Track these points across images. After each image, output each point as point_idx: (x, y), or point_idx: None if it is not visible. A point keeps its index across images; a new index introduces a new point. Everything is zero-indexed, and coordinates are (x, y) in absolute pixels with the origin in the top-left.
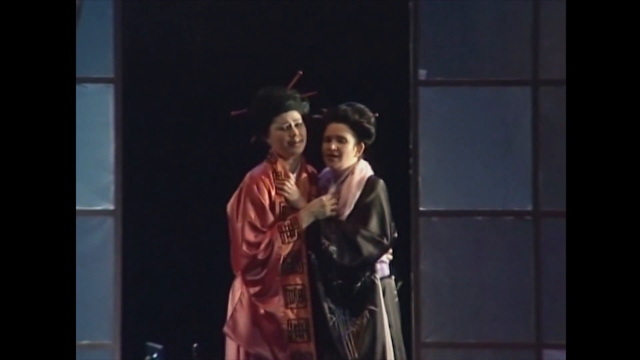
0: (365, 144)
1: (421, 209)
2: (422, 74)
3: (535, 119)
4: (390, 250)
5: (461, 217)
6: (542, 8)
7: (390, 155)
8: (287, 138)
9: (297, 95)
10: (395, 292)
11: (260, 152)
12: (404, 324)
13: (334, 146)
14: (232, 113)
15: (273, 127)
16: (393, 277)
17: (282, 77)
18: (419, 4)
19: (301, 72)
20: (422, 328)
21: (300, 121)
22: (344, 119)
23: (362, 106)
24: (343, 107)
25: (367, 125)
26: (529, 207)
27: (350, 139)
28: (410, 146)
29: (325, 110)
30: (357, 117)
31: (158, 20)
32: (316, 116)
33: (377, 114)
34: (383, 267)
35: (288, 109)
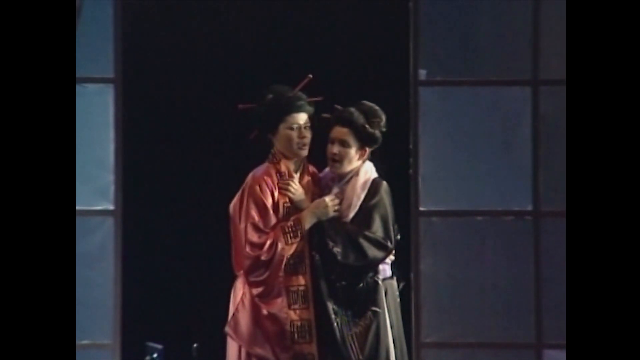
0: (369, 148)
1: (421, 209)
2: (422, 74)
3: (535, 119)
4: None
5: (461, 217)
6: (542, 8)
7: (390, 155)
8: (296, 139)
9: (305, 98)
10: (397, 293)
11: (261, 152)
12: (404, 324)
13: (335, 150)
14: (240, 106)
15: (282, 125)
16: (395, 278)
17: (283, 78)
18: (419, 4)
19: (311, 76)
20: (422, 328)
21: (308, 124)
22: (348, 123)
23: (373, 107)
24: (350, 109)
25: (371, 130)
26: (529, 207)
27: (353, 144)
28: (410, 146)
29: (338, 107)
30: (362, 121)
31: (158, 20)
32: (325, 115)
33: (384, 118)
34: (385, 268)
35: (300, 109)
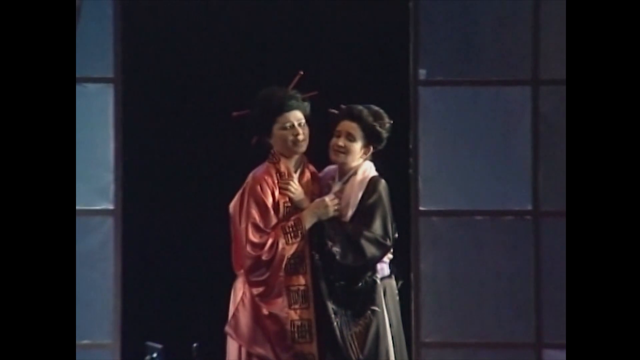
0: (373, 147)
1: (421, 209)
2: (422, 74)
3: (535, 119)
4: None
5: (461, 217)
6: (542, 8)
7: (390, 155)
8: (290, 138)
9: (299, 95)
10: (396, 292)
11: (261, 152)
12: (404, 324)
13: (341, 142)
14: (234, 114)
15: (276, 127)
16: (393, 277)
17: (282, 77)
18: (419, 4)
19: (302, 72)
20: (422, 328)
21: (303, 121)
22: (357, 118)
23: (380, 110)
24: (360, 107)
25: (379, 129)
26: (529, 207)
27: (359, 139)
28: (410, 146)
29: (343, 106)
30: (371, 119)
31: (158, 20)
32: (332, 110)
33: (392, 121)
34: (383, 267)
35: (290, 108)
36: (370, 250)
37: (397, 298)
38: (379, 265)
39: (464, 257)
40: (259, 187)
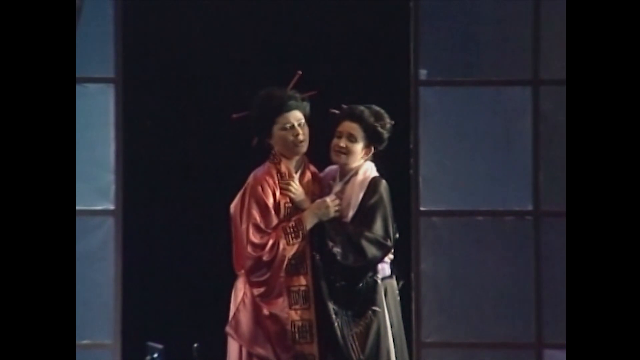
0: (374, 148)
1: (421, 209)
2: (422, 74)
3: (535, 119)
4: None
5: (461, 217)
6: (542, 8)
7: (391, 155)
8: (290, 138)
9: (298, 95)
10: (397, 292)
11: (261, 152)
12: (405, 324)
13: (342, 143)
14: (234, 116)
15: (276, 127)
16: (394, 277)
17: (282, 77)
18: (419, 4)
19: (300, 72)
20: (422, 328)
21: (303, 121)
22: (359, 119)
23: (381, 111)
24: (361, 107)
25: (380, 129)
26: (529, 207)
27: (361, 140)
28: (411, 146)
29: (344, 106)
30: (372, 120)
31: (158, 20)
32: (333, 110)
33: (393, 122)
34: (384, 268)
35: (290, 109)
36: (371, 250)
37: (398, 298)
38: (379, 266)
39: (464, 257)
40: (260, 188)
